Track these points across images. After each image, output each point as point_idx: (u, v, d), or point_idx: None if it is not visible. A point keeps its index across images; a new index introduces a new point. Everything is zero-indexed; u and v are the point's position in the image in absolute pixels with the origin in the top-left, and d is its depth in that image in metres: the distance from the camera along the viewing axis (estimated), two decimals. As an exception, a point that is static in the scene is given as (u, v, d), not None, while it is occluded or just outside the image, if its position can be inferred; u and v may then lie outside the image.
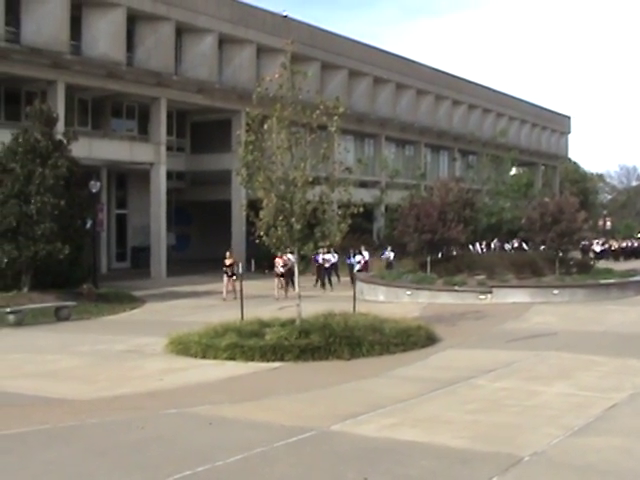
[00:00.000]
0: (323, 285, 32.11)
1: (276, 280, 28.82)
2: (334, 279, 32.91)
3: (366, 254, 34.34)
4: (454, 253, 32.09)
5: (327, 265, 32.41)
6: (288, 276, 29.74)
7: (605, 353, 16.04)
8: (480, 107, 65.01)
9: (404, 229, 29.99)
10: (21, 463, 8.98)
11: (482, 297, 26.21)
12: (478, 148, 61.87)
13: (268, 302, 26.42)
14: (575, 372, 14.12)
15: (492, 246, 42.39)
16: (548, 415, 10.79)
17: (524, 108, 72.09)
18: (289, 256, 28.98)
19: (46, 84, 34.27)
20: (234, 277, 27.62)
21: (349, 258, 33.50)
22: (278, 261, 28.54)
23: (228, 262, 28.39)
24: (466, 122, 62.74)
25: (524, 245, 42.66)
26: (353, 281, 31.94)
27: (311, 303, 20.72)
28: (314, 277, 32.73)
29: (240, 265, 21.93)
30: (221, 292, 28.50)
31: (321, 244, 17.47)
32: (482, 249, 40.73)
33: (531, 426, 10.20)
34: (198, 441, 9.75)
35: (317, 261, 31.93)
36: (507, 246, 45.23)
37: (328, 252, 29.77)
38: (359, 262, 32.49)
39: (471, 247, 33.88)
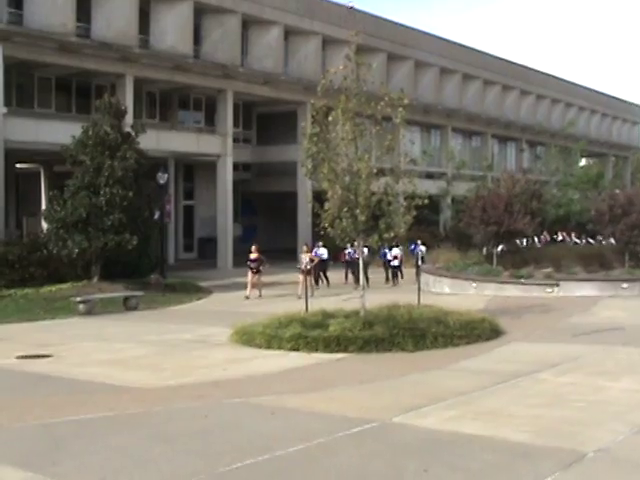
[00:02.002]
0: (357, 281, 30.83)
1: (300, 277, 25.61)
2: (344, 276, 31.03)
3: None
4: (499, 248, 30.51)
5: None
6: (315, 272, 28.16)
7: (675, 349, 15.69)
8: (548, 97, 63.88)
9: (470, 221, 29.73)
10: (90, 447, 9.25)
11: (549, 290, 25.88)
12: (546, 139, 60.81)
13: (330, 293, 26.48)
14: (643, 368, 13.85)
15: (537, 239, 38.71)
16: (614, 411, 10.61)
17: (594, 97, 70.58)
18: (319, 251, 28.46)
19: (115, 77, 34.88)
20: (258, 273, 26.57)
21: (384, 253, 31.17)
22: (304, 257, 26.53)
23: (253, 257, 26.75)
24: (534, 113, 61.73)
25: (576, 239, 40.35)
26: (395, 277, 31.17)
27: (375, 295, 20.69)
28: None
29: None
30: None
31: (386, 236, 17.41)
32: (523, 243, 36.62)
33: (596, 422, 10.04)
34: (260, 430, 9.86)
35: (348, 255, 29.86)
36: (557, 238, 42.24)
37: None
38: (395, 257, 31.42)
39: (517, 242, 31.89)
